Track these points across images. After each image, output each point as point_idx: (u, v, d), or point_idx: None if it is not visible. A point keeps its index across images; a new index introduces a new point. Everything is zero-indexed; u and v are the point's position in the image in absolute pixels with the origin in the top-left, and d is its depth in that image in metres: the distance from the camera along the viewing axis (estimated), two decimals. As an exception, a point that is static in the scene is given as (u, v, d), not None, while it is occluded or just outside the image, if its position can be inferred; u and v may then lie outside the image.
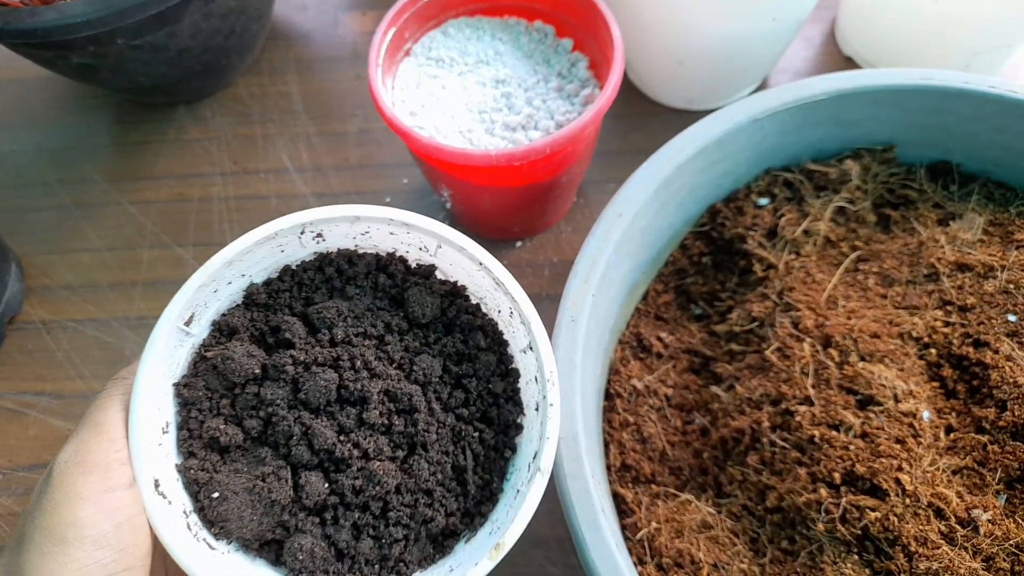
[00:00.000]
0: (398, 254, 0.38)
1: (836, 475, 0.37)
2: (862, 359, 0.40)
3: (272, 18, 0.70)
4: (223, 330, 0.36)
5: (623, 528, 0.40)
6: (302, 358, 0.35)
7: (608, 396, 0.45)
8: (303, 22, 0.72)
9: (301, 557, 0.32)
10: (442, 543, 0.35)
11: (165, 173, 0.63)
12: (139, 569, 0.30)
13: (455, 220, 0.56)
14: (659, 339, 0.46)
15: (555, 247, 0.55)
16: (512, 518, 0.32)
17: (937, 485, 0.36)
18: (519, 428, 0.36)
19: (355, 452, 0.34)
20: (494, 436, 0.36)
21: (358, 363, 0.35)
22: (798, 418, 0.39)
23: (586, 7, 0.49)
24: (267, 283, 0.38)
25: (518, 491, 0.33)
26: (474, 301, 0.38)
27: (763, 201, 0.48)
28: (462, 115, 0.48)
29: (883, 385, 0.39)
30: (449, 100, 0.49)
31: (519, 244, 0.55)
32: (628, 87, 0.62)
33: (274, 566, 0.34)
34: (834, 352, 0.41)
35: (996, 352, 0.40)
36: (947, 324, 0.42)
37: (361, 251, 0.39)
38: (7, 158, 0.65)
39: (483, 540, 0.33)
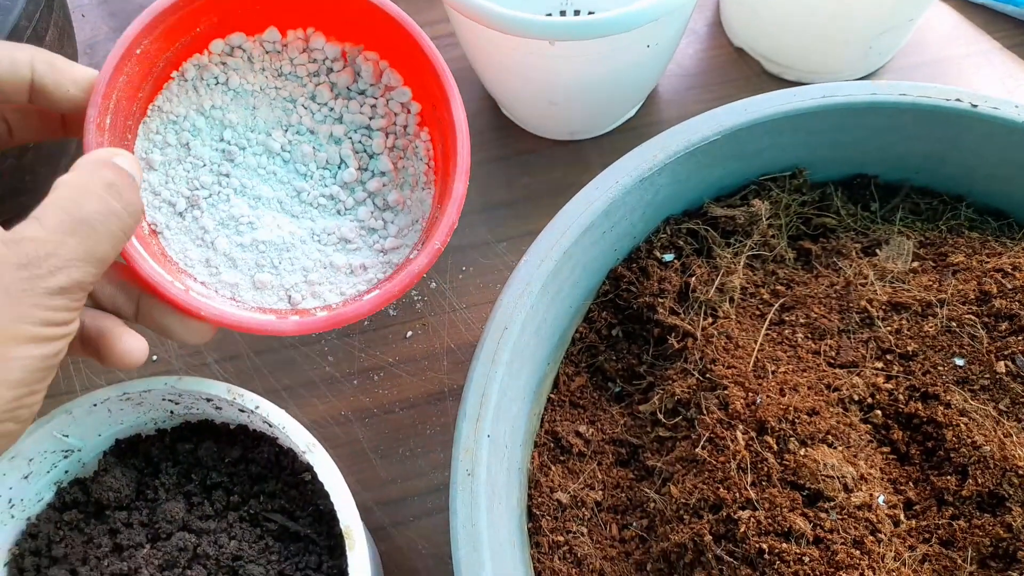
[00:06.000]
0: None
1: (793, 597, 0.32)
2: (803, 443, 0.35)
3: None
4: None
5: None
6: None
7: (532, 515, 0.39)
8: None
9: None
10: None
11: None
12: None
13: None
14: (578, 434, 0.41)
15: (451, 331, 0.48)
16: None
17: (905, 586, 0.32)
18: None
19: None
20: None
21: None
22: (742, 527, 0.34)
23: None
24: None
25: None
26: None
27: (668, 257, 0.42)
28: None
29: (830, 476, 0.34)
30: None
31: (409, 335, 0.48)
32: (505, 124, 0.55)
33: None
34: (771, 439, 0.36)
35: (948, 406, 0.36)
36: (889, 378, 0.38)
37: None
38: None
39: None
